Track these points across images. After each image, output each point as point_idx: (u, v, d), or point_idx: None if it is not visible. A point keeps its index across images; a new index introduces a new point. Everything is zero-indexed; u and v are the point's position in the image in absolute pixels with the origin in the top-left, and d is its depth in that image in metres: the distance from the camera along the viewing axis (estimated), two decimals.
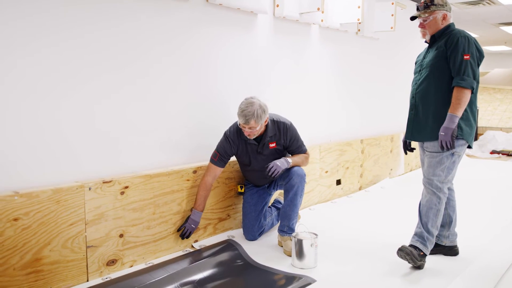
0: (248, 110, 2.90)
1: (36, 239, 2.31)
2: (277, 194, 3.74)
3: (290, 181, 3.09)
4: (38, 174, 2.44)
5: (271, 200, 3.69)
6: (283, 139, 3.16)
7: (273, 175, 3.01)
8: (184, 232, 3.00)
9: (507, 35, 9.72)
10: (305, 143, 3.30)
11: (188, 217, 3.03)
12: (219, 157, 3.08)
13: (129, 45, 2.81)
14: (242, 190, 3.36)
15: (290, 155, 3.25)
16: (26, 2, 2.32)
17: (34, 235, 2.30)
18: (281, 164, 3.05)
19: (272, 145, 3.13)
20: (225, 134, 3.13)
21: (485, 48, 11.76)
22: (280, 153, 3.20)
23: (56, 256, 2.39)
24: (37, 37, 2.37)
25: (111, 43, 2.71)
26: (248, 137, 3.03)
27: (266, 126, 3.08)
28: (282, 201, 3.45)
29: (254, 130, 2.96)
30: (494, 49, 12.42)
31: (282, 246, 3.12)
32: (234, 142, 3.10)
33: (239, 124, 2.98)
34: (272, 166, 3.02)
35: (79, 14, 2.54)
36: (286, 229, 3.11)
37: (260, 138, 3.11)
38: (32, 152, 2.41)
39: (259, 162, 3.17)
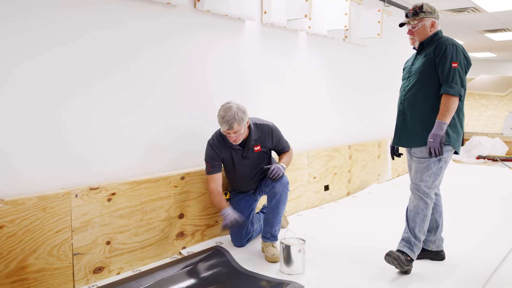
0: (228, 115, 2.86)
1: (21, 247, 2.28)
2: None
3: (273, 188, 3.09)
4: (24, 181, 2.41)
5: (259, 206, 3.69)
6: (268, 141, 3.17)
7: (275, 178, 3.03)
8: (229, 226, 2.93)
9: (492, 42, 9.88)
10: (293, 150, 3.31)
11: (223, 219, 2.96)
12: (211, 166, 3.07)
13: (116, 52, 2.79)
14: (227, 197, 3.34)
15: (278, 156, 3.31)
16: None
17: (19, 243, 2.27)
18: (281, 167, 3.08)
19: (257, 148, 3.14)
20: (208, 143, 3.10)
21: (471, 55, 11.85)
22: (265, 155, 3.21)
23: (42, 264, 2.36)
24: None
25: (97, 55, 2.70)
26: (234, 143, 3.01)
27: (249, 129, 3.09)
28: None
29: (239, 134, 2.94)
30: (479, 55, 12.62)
31: None
32: (218, 149, 3.08)
33: (223, 132, 2.95)
34: (274, 169, 3.05)
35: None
36: (269, 236, 3.11)
37: (244, 143, 3.10)
38: (17, 160, 2.38)
39: (245, 167, 3.16)
